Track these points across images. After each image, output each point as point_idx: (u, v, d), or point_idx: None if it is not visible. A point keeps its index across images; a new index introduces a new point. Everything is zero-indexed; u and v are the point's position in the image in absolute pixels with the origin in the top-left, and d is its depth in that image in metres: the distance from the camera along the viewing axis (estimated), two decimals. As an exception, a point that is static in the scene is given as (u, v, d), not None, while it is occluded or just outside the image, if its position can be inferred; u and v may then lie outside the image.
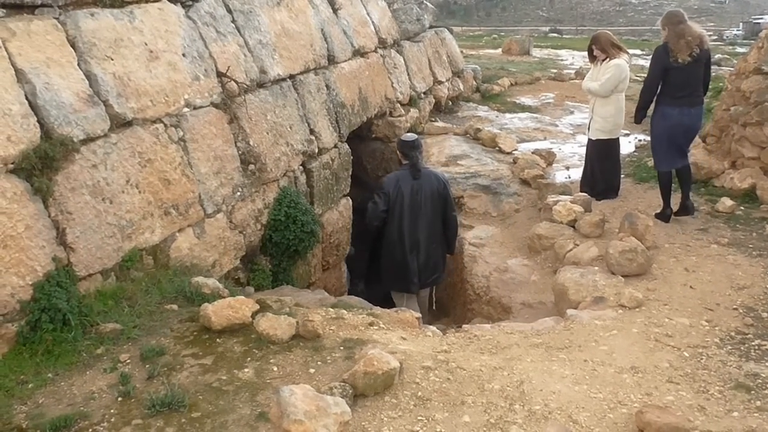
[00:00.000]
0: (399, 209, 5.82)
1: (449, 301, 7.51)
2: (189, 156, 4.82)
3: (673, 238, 5.68)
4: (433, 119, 10.16)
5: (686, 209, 6.09)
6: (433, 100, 10.45)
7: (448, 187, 6.06)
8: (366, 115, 7.98)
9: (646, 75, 6.35)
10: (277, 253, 5.72)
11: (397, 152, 6.20)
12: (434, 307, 6.62)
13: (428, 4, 11.24)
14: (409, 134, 6.39)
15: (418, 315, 4.46)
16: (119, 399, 3.15)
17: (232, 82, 5.37)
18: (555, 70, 14.68)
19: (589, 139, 7.01)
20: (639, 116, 6.30)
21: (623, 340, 3.97)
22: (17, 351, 3.43)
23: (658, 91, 5.95)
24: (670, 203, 6.12)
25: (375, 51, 8.57)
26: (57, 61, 3.94)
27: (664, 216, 6.09)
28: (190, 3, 5.25)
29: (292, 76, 6.37)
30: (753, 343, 3.91)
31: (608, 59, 6.67)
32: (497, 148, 8.83)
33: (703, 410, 3.23)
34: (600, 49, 6.73)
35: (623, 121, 6.93)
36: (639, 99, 6.17)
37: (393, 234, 5.92)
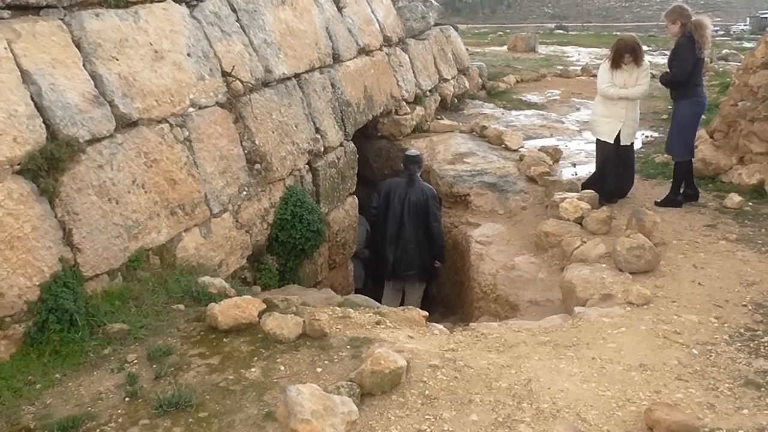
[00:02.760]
0: (386, 209, 6.81)
1: (456, 299, 7.50)
2: (194, 156, 4.82)
3: (681, 234, 5.65)
4: (439, 117, 10.13)
5: (695, 196, 6.46)
6: (439, 98, 10.42)
7: (430, 201, 6.83)
8: (371, 114, 7.97)
9: (679, 62, 6.16)
10: (283, 252, 5.72)
11: (402, 164, 7.11)
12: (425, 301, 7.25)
13: (433, 1, 11.21)
14: (412, 150, 7.34)
15: (425, 313, 4.46)
16: (126, 399, 3.15)
17: (237, 81, 5.37)
18: (561, 67, 14.61)
19: (622, 146, 6.58)
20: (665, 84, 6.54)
21: (631, 338, 3.95)
22: (25, 352, 3.44)
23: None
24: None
25: (380, 49, 8.56)
26: (62, 61, 3.95)
27: (676, 202, 6.35)
28: (195, 2, 5.25)
29: (297, 75, 6.37)
30: (762, 340, 3.88)
31: (636, 62, 6.37)
32: (503, 146, 8.79)
33: (712, 408, 3.21)
34: (636, 56, 6.35)
35: None
36: (673, 80, 6.29)
37: (380, 228, 6.98)
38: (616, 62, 6.39)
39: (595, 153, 7.04)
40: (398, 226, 6.75)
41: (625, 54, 6.35)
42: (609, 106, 6.51)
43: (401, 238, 6.77)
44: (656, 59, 16.15)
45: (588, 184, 6.90)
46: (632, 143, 6.73)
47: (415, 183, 6.79)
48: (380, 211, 6.84)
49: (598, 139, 6.76)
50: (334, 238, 6.80)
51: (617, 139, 6.52)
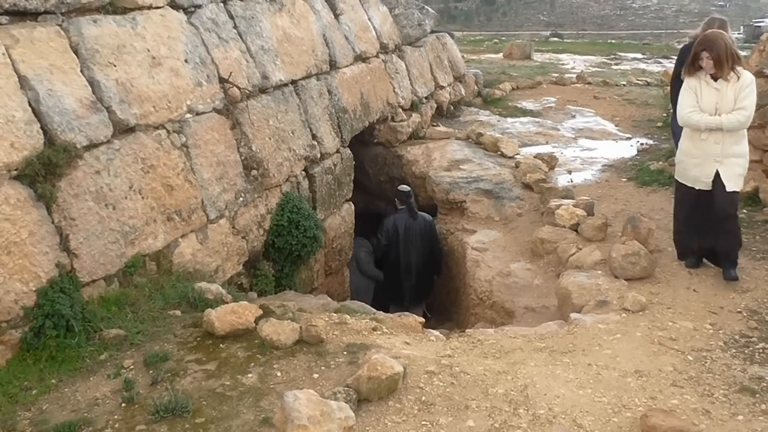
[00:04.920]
0: (395, 243, 7.24)
1: (452, 306, 7.51)
2: (192, 162, 4.83)
3: (676, 241, 5.66)
4: (435, 124, 10.15)
5: None
6: (435, 105, 10.45)
7: (433, 226, 7.44)
8: (368, 120, 7.99)
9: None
10: (279, 258, 5.72)
11: (395, 198, 7.43)
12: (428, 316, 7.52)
13: (429, 9, 11.26)
14: (403, 186, 7.62)
15: (422, 319, 4.48)
16: (123, 405, 3.15)
17: (235, 87, 5.38)
18: (556, 74, 14.67)
19: (726, 192, 4.69)
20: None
21: (627, 344, 3.96)
22: (21, 357, 3.44)
23: None
24: None
25: (377, 56, 8.59)
26: (60, 67, 3.96)
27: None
28: (193, 9, 5.27)
29: (294, 82, 6.38)
30: (757, 347, 3.90)
31: (728, 76, 4.58)
32: (499, 153, 8.82)
33: (707, 414, 3.22)
34: (716, 60, 4.51)
35: None
36: None
37: (392, 261, 7.34)
38: (691, 67, 4.68)
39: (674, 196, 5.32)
40: (410, 257, 7.22)
41: (701, 52, 4.57)
42: (696, 141, 4.75)
43: (413, 268, 7.26)
44: (651, 67, 16.30)
45: (679, 247, 5.25)
46: (737, 190, 4.76)
47: (417, 215, 7.28)
48: (391, 246, 7.26)
49: (677, 182, 5.05)
50: (331, 245, 6.81)
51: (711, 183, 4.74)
